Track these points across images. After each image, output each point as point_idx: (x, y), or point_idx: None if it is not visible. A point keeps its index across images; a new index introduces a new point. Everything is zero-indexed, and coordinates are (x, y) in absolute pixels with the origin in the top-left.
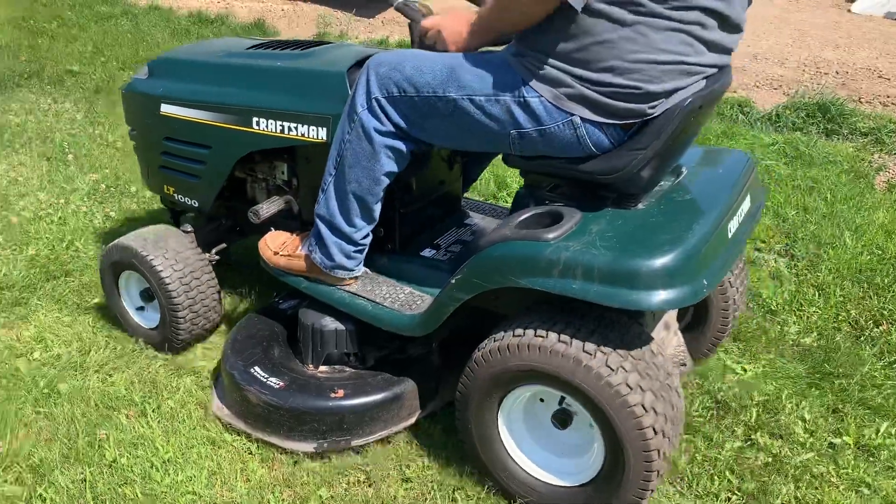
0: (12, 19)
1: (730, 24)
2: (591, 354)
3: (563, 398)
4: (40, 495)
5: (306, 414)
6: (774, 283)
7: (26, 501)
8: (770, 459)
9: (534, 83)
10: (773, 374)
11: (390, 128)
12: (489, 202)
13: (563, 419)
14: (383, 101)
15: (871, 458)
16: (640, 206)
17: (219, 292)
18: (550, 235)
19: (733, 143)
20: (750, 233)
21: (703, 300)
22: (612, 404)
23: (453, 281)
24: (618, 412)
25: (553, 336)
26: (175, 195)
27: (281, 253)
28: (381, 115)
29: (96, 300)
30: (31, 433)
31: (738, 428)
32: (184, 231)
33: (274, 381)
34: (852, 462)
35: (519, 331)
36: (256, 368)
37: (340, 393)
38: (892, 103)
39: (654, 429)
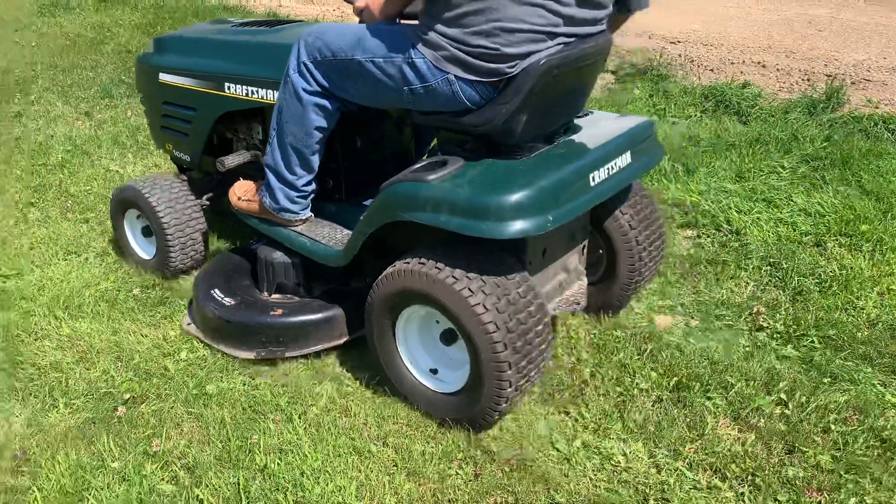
0: (140, 25)
1: (589, 2)
2: (454, 277)
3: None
4: (197, 496)
5: (249, 327)
6: None
7: (185, 501)
8: None
9: (420, 47)
10: None
11: (316, 87)
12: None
13: (448, 337)
14: (310, 65)
15: None
16: (524, 157)
17: (205, 232)
18: (430, 177)
19: (882, 164)
20: (623, 185)
21: (612, 256)
22: (467, 319)
23: (362, 218)
24: (472, 326)
25: (427, 262)
26: (174, 151)
27: (242, 198)
28: (309, 77)
29: None
30: (184, 433)
31: None
32: (180, 179)
33: (227, 301)
34: None
35: (406, 259)
36: (216, 291)
37: (279, 312)
38: None
39: (504, 343)
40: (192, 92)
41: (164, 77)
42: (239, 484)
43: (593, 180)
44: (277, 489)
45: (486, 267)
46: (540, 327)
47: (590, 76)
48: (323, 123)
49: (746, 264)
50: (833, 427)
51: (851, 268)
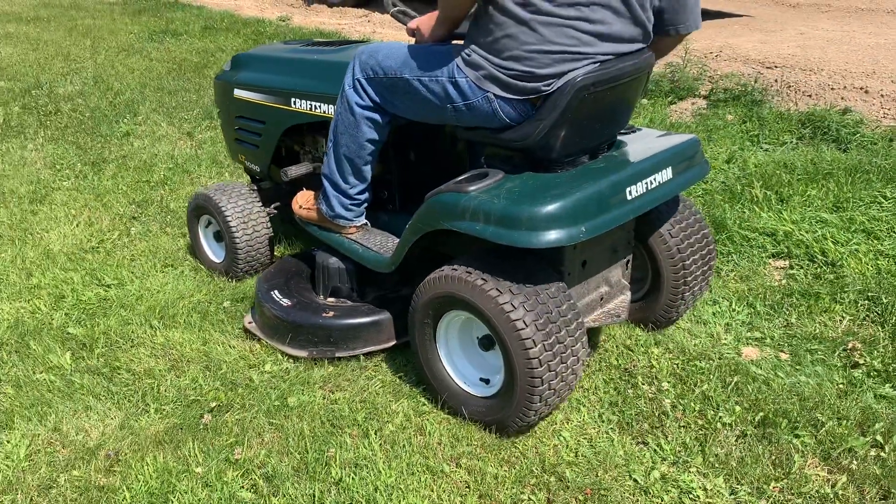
0: (241, 50)
1: (627, 17)
2: (490, 283)
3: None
4: None
5: (303, 327)
6: None
7: None
8: None
9: (463, 66)
10: None
11: (368, 102)
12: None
13: (487, 343)
14: (363, 81)
15: None
16: (563, 171)
17: (271, 238)
18: (470, 188)
19: None
20: (662, 200)
21: (657, 270)
22: (502, 324)
23: (408, 226)
24: (507, 332)
25: (465, 269)
26: (246, 162)
27: (303, 206)
28: (362, 93)
29: None
30: (265, 443)
31: None
32: (250, 188)
33: (284, 301)
34: None
35: (447, 266)
36: (275, 292)
37: (330, 314)
38: None
39: (537, 350)
40: (261, 106)
41: (238, 93)
42: (314, 496)
43: (630, 194)
44: (351, 503)
45: (522, 275)
46: (574, 337)
47: (630, 93)
48: (374, 136)
49: (842, 298)
50: None
51: None
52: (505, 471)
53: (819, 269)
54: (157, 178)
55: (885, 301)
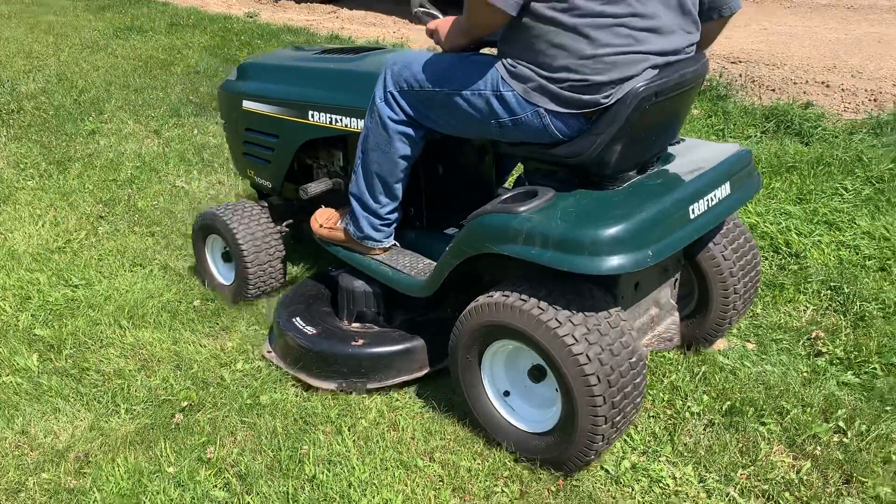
0: (208, 47)
1: (675, 8)
2: (544, 311)
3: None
4: (248, 503)
5: (330, 357)
6: None
7: None
8: None
9: (508, 79)
10: None
11: (402, 117)
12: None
13: (537, 374)
14: (396, 94)
15: None
16: (616, 187)
17: (284, 258)
18: (521, 209)
19: None
20: (723, 217)
21: (704, 289)
22: (559, 354)
23: (448, 249)
24: (565, 361)
25: (515, 295)
26: (255, 178)
27: (325, 225)
28: (395, 106)
29: None
30: (238, 442)
31: None
32: (261, 206)
33: (308, 329)
34: None
35: (493, 292)
36: (297, 319)
37: (360, 342)
38: None
39: (598, 377)
40: (275, 119)
41: (248, 104)
42: (288, 493)
43: (693, 213)
44: (325, 500)
45: (578, 302)
46: (634, 361)
47: (688, 102)
48: (408, 152)
49: (806, 288)
50: (895, 457)
51: None
52: (478, 464)
53: (783, 261)
54: (125, 177)
55: (846, 291)
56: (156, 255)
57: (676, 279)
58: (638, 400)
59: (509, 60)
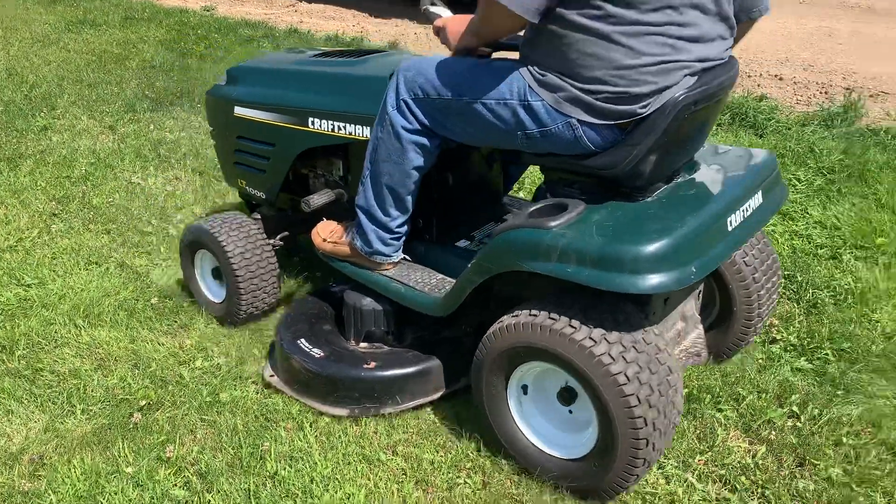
0: (164, 41)
1: (714, 14)
2: (579, 330)
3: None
4: (208, 501)
5: (341, 381)
6: None
7: None
8: None
9: (536, 88)
10: None
11: (416, 126)
12: (525, 199)
13: (567, 396)
14: (410, 102)
15: None
16: (647, 198)
17: (278, 274)
18: (552, 223)
19: None
20: (758, 228)
21: (727, 298)
22: (596, 374)
23: (470, 266)
24: (602, 381)
25: (543, 315)
26: (247, 188)
27: (328, 240)
28: (409, 115)
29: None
30: (198, 440)
31: None
32: (253, 218)
33: (316, 352)
34: None
35: (520, 312)
36: (302, 340)
37: (372, 364)
38: None
39: (638, 397)
40: (271, 126)
41: (240, 111)
42: (250, 490)
43: (730, 224)
44: (287, 496)
45: (610, 318)
46: (672, 378)
47: (720, 108)
48: (421, 163)
49: None
50: (845, 440)
51: (867, 281)
52: (441, 456)
53: None
54: (78, 174)
55: (799, 279)
56: (112, 252)
57: (700, 291)
58: (676, 420)
59: (537, 68)
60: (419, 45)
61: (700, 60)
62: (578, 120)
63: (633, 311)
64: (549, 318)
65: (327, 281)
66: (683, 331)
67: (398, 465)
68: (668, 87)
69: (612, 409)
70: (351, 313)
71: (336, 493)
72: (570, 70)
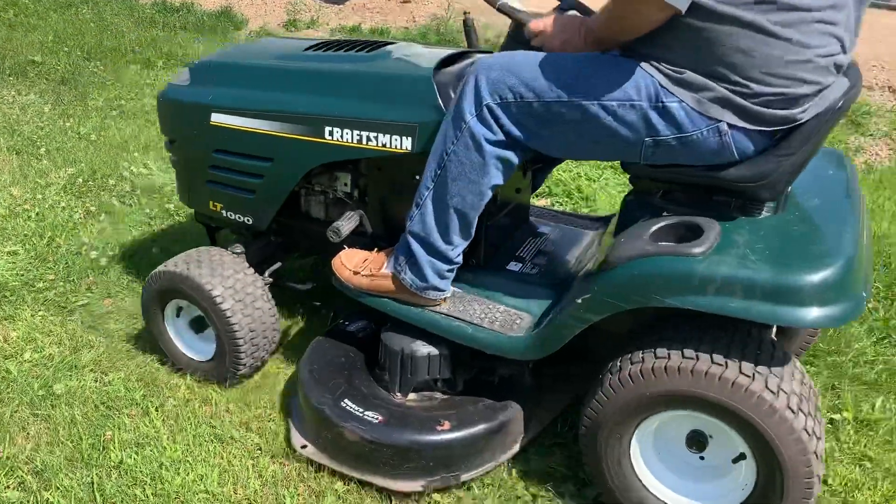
0: None
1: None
2: (750, 377)
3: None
4: (47, 500)
5: (411, 450)
6: None
7: None
8: None
9: (672, 87)
10: None
11: (501, 137)
12: (549, 208)
13: (699, 442)
14: (495, 108)
15: (870, 433)
16: (764, 212)
17: (277, 318)
18: (698, 250)
19: None
20: (869, 245)
21: None
22: (777, 431)
23: (580, 301)
24: (783, 440)
25: (705, 357)
26: (224, 212)
27: (363, 273)
28: (493, 123)
29: (83, 300)
30: (31, 437)
31: None
32: (234, 252)
33: (371, 416)
34: (853, 437)
35: (662, 352)
36: (347, 402)
37: (446, 425)
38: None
39: (815, 454)
40: (269, 138)
41: (220, 118)
42: (93, 483)
43: (863, 243)
44: (135, 484)
45: (764, 356)
46: (820, 421)
47: None
48: (500, 181)
49: None
50: None
51: None
52: None
53: (576, 204)
54: None
55: None
56: None
57: None
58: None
59: (668, 65)
60: (252, 10)
61: (845, 52)
62: (729, 124)
63: (766, 337)
64: (686, 357)
65: (326, 313)
66: None
67: (253, 441)
68: (826, 87)
69: (785, 457)
70: (398, 361)
71: (188, 475)
72: (715, 68)
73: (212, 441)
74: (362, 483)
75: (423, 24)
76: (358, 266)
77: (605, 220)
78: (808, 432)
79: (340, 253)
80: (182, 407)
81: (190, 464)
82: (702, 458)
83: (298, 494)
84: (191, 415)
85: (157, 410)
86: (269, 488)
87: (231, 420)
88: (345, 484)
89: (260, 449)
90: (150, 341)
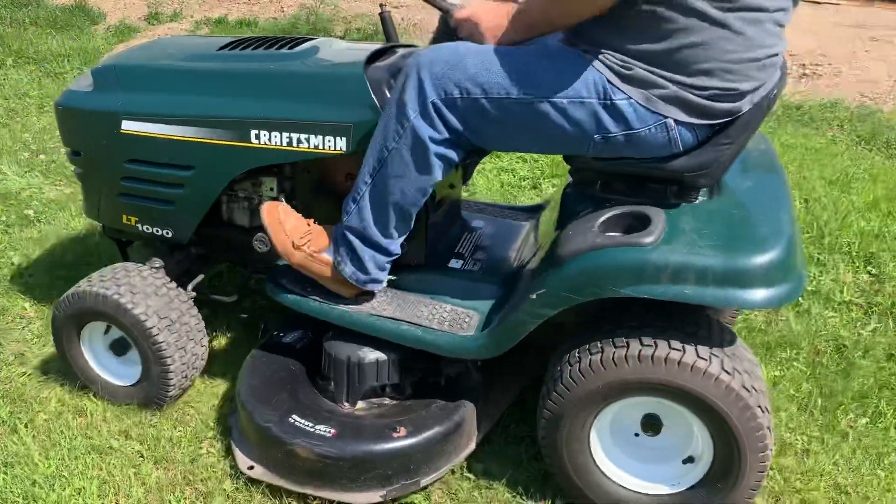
0: None
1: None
2: (707, 360)
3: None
4: None
5: (368, 461)
6: None
7: None
8: None
9: (621, 84)
10: None
11: (446, 135)
12: (474, 199)
13: (653, 425)
14: (440, 105)
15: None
16: (700, 198)
17: (205, 335)
18: (648, 240)
19: None
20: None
21: None
22: (734, 410)
23: (534, 297)
24: (740, 417)
25: (663, 344)
26: (140, 226)
27: (304, 249)
28: (437, 121)
29: None
30: None
31: None
32: (153, 267)
33: (322, 430)
34: None
35: (620, 341)
36: (295, 417)
37: (403, 431)
38: None
39: (768, 428)
40: (188, 145)
41: (132, 126)
42: None
43: (792, 223)
44: None
45: (716, 338)
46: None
47: None
48: (440, 177)
49: None
50: None
51: None
52: (180, 432)
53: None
54: None
55: None
56: None
57: None
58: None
59: (617, 58)
60: (110, 3)
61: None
62: (675, 120)
63: (712, 319)
64: (645, 344)
65: (254, 323)
66: None
67: (134, 448)
68: (765, 83)
69: (740, 431)
70: (344, 370)
71: (64, 490)
72: (669, 61)
73: (89, 453)
74: (252, 481)
75: (293, 15)
76: (300, 240)
77: (534, 210)
78: (761, 409)
79: (279, 207)
80: (54, 420)
81: (66, 478)
82: (656, 439)
83: (185, 498)
84: (64, 428)
85: (26, 427)
86: (153, 494)
87: (109, 429)
88: (233, 483)
89: (142, 456)
90: (12, 355)
